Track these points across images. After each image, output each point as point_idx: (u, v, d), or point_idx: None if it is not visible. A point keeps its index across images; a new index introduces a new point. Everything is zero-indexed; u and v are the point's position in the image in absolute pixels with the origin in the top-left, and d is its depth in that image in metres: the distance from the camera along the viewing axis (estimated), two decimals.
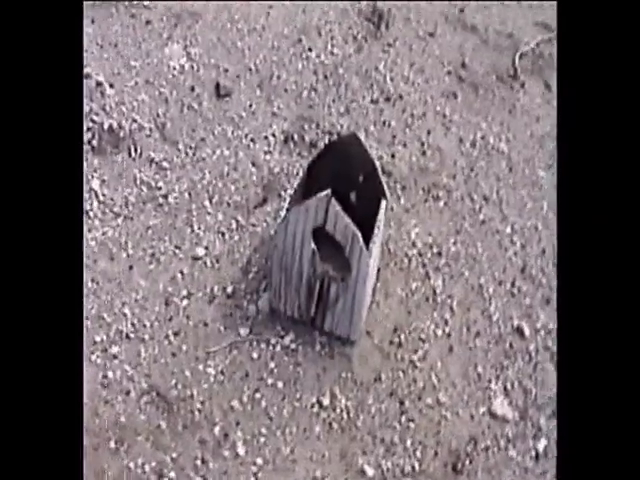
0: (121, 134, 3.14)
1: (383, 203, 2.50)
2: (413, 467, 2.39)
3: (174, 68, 3.45)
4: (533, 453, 2.46)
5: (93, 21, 3.59)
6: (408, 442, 2.43)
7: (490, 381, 2.59)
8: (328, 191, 2.29)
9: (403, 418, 2.48)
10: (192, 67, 3.47)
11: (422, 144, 3.28)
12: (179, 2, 3.70)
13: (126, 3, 3.67)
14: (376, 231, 2.44)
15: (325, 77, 3.49)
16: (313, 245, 2.40)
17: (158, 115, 3.26)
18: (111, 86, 3.32)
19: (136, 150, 3.09)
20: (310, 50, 3.61)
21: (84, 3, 3.34)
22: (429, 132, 3.33)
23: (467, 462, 2.42)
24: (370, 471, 2.36)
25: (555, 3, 3.78)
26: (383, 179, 2.53)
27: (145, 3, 3.71)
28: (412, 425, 2.47)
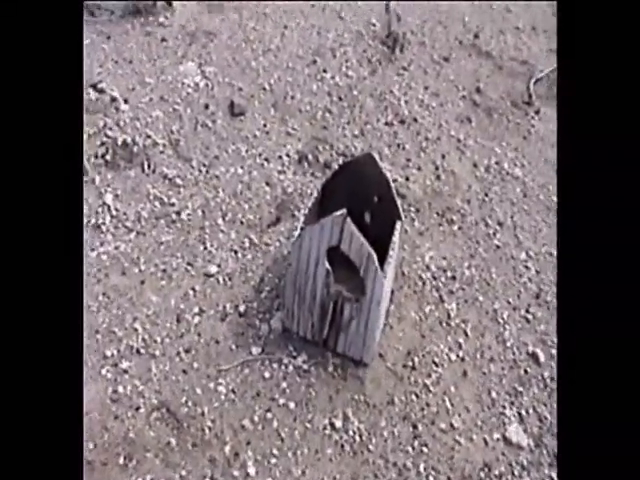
0: (135, 149, 3.13)
1: (398, 224, 2.48)
2: None
3: (188, 86, 3.45)
4: None
5: (109, 37, 3.60)
6: (421, 467, 2.38)
7: (504, 407, 2.55)
8: (344, 210, 2.26)
9: (416, 442, 2.43)
10: (207, 85, 3.47)
11: (436, 168, 3.26)
12: (194, 21, 3.70)
13: (142, 20, 3.67)
14: (391, 252, 2.41)
15: (339, 99, 3.49)
16: (327, 265, 2.37)
17: (172, 132, 3.25)
18: (125, 102, 3.32)
19: (149, 166, 3.08)
20: (325, 71, 3.61)
21: (101, 19, 3.35)
22: (443, 156, 3.31)
23: None
24: None
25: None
26: (397, 201, 2.50)
27: (161, 20, 3.71)
28: (425, 450, 2.42)
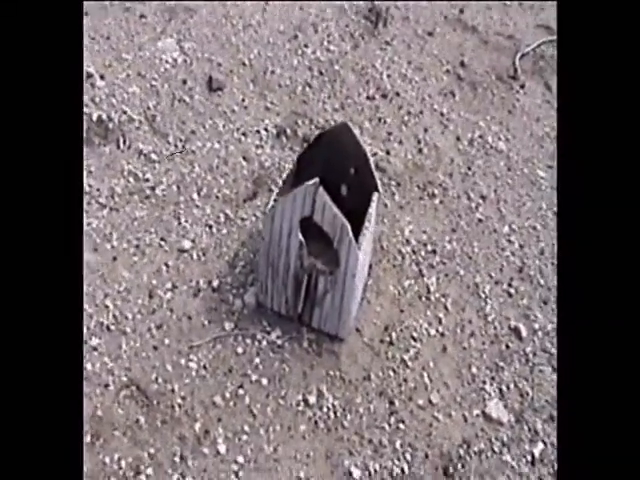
0: (110, 126, 3.06)
1: (375, 196, 2.41)
2: (402, 470, 2.27)
3: (167, 62, 3.38)
4: (529, 458, 2.35)
5: (87, 13, 3.52)
6: (397, 444, 2.32)
7: (485, 382, 2.49)
8: (316, 180, 2.20)
9: (392, 419, 2.37)
10: (185, 61, 3.40)
11: (418, 141, 3.19)
12: None
13: None
14: (367, 224, 2.34)
15: (320, 73, 3.42)
16: (300, 236, 2.30)
17: (149, 107, 3.18)
18: (102, 78, 3.26)
19: (125, 142, 3.01)
20: (306, 46, 3.54)
21: None
22: (426, 130, 3.24)
23: (459, 466, 2.30)
24: (357, 472, 2.25)
25: (554, 5, 3.72)
26: (376, 173, 2.43)
27: None
28: (402, 426, 2.36)
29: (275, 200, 2.31)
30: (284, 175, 2.47)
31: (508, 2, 4.01)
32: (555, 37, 3.82)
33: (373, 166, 2.44)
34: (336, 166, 2.49)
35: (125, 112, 3.12)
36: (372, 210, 2.37)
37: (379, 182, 2.43)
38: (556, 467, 2.31)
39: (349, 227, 2.21)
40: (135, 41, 3.45)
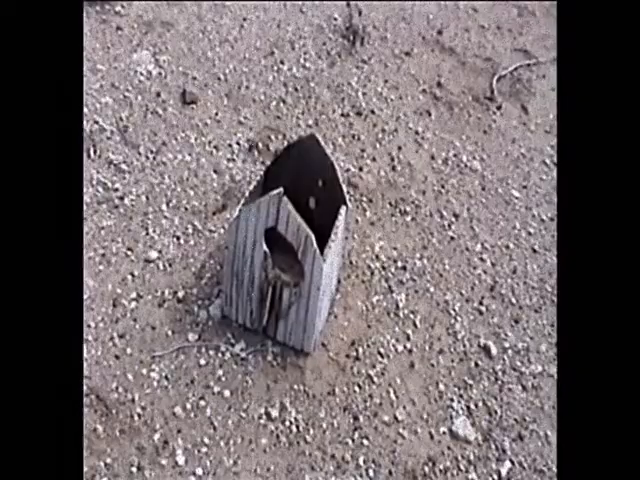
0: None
1: (343, 209, 2.38)
2: None
3: (141, 74, 3.36)
4: (495, 476, 2.30)
5: None
6: (361, 460, 2.27)
7: (452, 400, 2.45)
8: (280, 189, 2.17)
9: (356, 434, 2.32)
10: (160, 74, 3.38)
11: (392, 159, 3.18)
12: (152, 10, 3.62)
13: (97, 8, 3.59)
14: (333, 237, 2.31)
15: (295, 89, 3.40)
16: (265, 247, 2.27)
17: (121, 118, 3.15)
18: None
19: (95, 151, 2.97)
20: (282, 63, 3.53)
21: None
22: (400, 148, 3.23)
23: None
24: None
25: (535, 30, 3.75)
26: (346, 189, 2.40)
27: (117, 9, 3.63)
28: (366, 442, 2.31)
29: (240, 210, 2.28)
30: (251, 186, 2.43)
31: (486, 25, 4.01)
32: (533, 61, 3.84)
33: (341, 179, 2.41)
34: (304, 178, 2.46)
35: (97, 122, 3.09)
36: (339, 223, 2.34)
37: (348, 195, 2.40)
38: None
39: (313, 238, 2.18)
40: (110, 53, 3.43)
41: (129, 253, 2.66)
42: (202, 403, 2.30)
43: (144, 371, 2.35)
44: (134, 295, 2.54)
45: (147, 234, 2.72)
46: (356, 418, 2.34)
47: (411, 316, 2.62)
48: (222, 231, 2.75)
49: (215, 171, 2.98)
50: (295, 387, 2.37)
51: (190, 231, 2.75)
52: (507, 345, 2.61)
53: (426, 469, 2.27)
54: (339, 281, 2.65)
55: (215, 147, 3.08)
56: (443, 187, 3.10)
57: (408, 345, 2.55)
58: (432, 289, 2.72)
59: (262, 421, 2.29)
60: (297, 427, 2.29)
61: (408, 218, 2.94)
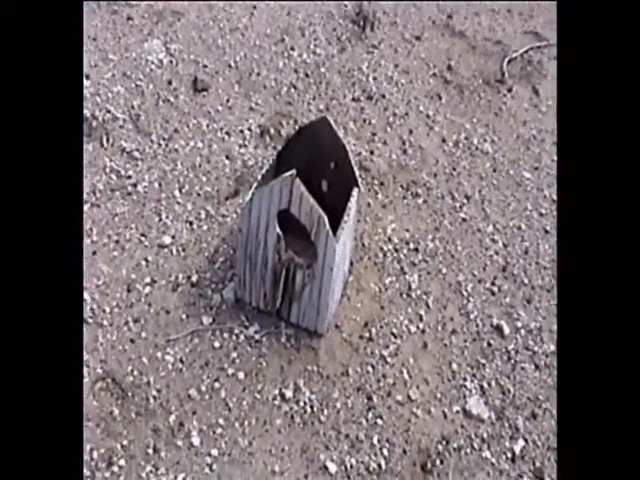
0: (94, 124, 3.05)
1: (355, 191, 2.39)
2: (379, 465, 2.24)
3: (152, 62, 3.38)
4: (509, 454, 2.31)
5: None
6: (375, 439, 2.29)
7: (465, 379, 2.46)
8: (293, 171, 2.18)
9: (370, 414, 2.34)
10: (171, 62, 3.40)
11: (403, 142, 3.18)
12: (162, 1, 3.64)
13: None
14: (345, 218, 2.32)
15: (306, 75, 3.42)
16: (278, 229, 2.28)
17: (133, 107, 3.17)
18: (87, 77, 3.25)
19: (108, 140, 3.00)
20: (292, 49, 3.54)
21: None
22: (411, 131, 3.23)
23: (437, 462, 2.27)
24: (333, 467, 2.21)
25: (545, 13, 3.73)
26: (358, 173, 2.41)
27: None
28: (380, 422, 2.33)
29: (253, 193, 2.29)
30: (263, 170, 2.45)
31: (496, 8, 4.00)
32: (544, 43, 3.83)
33: (353, 161, 2.42)
34: (316, 161, 2.47)
35: (109, 111, 3.11)
36: (351, 205, 2.35)
37: (360, 178, 2.42)
38: (536, 464, 2.27)
39: (326, 219, 2.19)
40: (122, 42, 3.45)
41: (142, 239, 2.68)
42: (217, 385, 2.32)
43: (159, 354, 2.38)
44: (148, 280, 2.57)
45: (160, 220, 2.74)
46: (370, 398, 2.36)
47: (424, 297, 2.64)
48: (235, 216, 2.76)
49: (227, 157, 3.00)
50: (309, 368, 2.39)
51: (203, 216, 2.77)
52: (519, 325, 2.61)
53: (440, 448, 2.28)
54: (352, 263, 2.66)
55: (227, 133, 3.10)
56: (454, 169, 3.10)
57: (421, 325, 2.56)
58: (444, 270, 2.73)
59: (276, 402, 2.31)
60: (311, 407, 2.31)
61: (420, 200, 2.95)
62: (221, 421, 2.25)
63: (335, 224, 2.26)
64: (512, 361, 2.51)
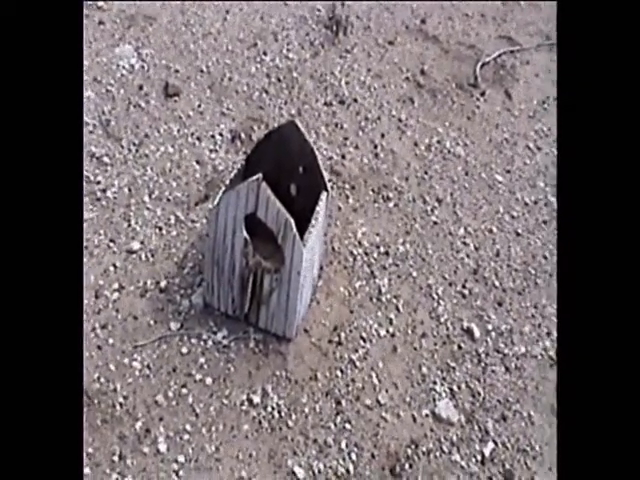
0: None
1: (323, 195, 2.38)
2: (347, 470, 2.23)
3: (123, 67, 3.36)
4: (479, 457, 2.30)
5: None
6: (343, 443, 2.28)
7: (435, 383, 2.45)
8: (259, 175, 2.17)
9: (339, 419, 2.32)
10: (142, 67, 3.38)
11: (375, 146, 3.18)
12: (134, 5, 3.63)
13: None
14: (313, 222, 2.31)
15: (278, 80, 3.41)
16: (245, 234, 2.27)
17: (103, 112, 3.16)
18: None
19: None
20: (265, 54, 3.54)
21: None
22: (383, 135, 3.23)
23: (407, 466, 2.26)
24: (300, 472, 2.20)
25: (519, 17, 3.75)
26: (329, 177, 2.41)
27: (99, 4, 3.63)
28: (348, 426, 2.31)
29: (220, 197, 2.28)
30: (232, 175, 2.44)
31: (470, 13, 4.01)
32: (516, 47, 3.84)
33: (322, 165, 2.41)
34: (285, 165, 2.46)
35: None
36: (319, 209, 2.35)
37: (330, 182, 2.41)
38: (506, 466, 2.27)
39: (292, 222, 2.18)
40: (93, 47, 3.44)
41: (111, 245, 2.67)
42: (184, 391, 2.30)
43: (126, 361, 2.36)
44: (116, 286, 2.55)
45: (129, 226, 2.73)
46: (338, 402, 2.35)
47: (394, 301, 2.63)
48: (204, 221, 2.75)
49: (198, 162, 2.99)
50: (277, 373, 2.38)
51: (172, 222, 2.75)
52: (490, 327, 2.61)
53: (409, 451, 2.27)
54: (321, 267, 2.65)
55: (198, 138, 3.09)
56: (426, 173, 3.10)
57: (391, 329, 2.55)
58: (415, 274, 2.73)
59: (244, 407, 2.29)
60: (279, 412, 2.29)
61: (391, 204, 2.95)
62: (188, 427, 2.23)
63: (304, 228, 2.25)
64: (482, 364, 2.51)
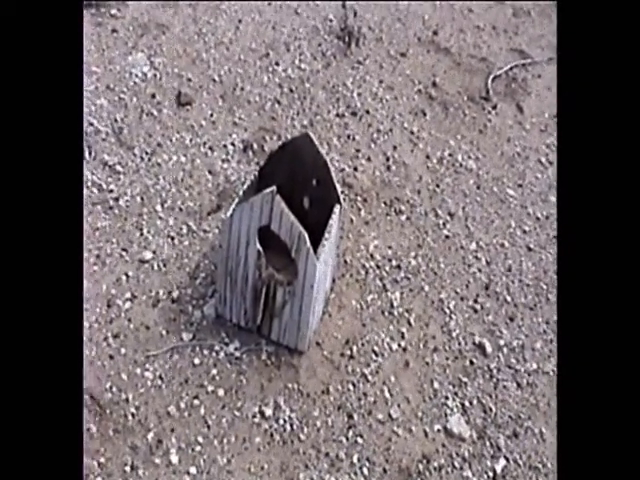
0: None
1: (336, 208, 2.38)
2: None
3: (136, 76, 3.37)
4: (490, 474, 2.30)
5: None
6: (355, 458, 2.27)
7: (447, 398, 2.45)
8: (273, 188, 2.17)
9: (351, 433, 2.32)
10: (155, 75, 3.38)
11: (387, 159, 3.18)
12: (147, 13, 3.63)
13: (93, 11, 3.59)
14: (326, 235, 2.31)
15: (290, 90, 3.41)
16: (258, 246, 2.27)
17: (116, 120, 3.16)
18: None
19: (90, 153, 2.98)
20: (277, 64, 3.54)
21: None
22: (395, 147, 3.23)
23: None
24: None
25: (530, 30, 3.75)
26: (341, 189, 2.41)
27: (113, 12, 3.64)
28: (360, 440, 2.31)
29: (233, 209, 2.28)
30: (245, 186, 2.44)
31: (482, 25, 4.02)
32: (528, 60, 3.84)
33: (335, 177, 2.41)
34: (298, 178, 2.46)
35: (92, 124, 3.10)
36: (333, 222, 2.34)
37: (342, 195, 2.41)
38: None
39: (306, 235, 2.18)
40: (106, 55, 3.44)
41: (123, 254, 2.66)
42: (196, 402, 2.30)
43: (138, 371, 2.35)
44: (128, 295, 2.54)
45: (142, 235, 2.72)
46: (350, 416, 2.34)
47: (406, 315, 2.62)
48: (217, 231, 2.75)
49: (210, 172, 2.98)
50: (289, 386, 2.37)
51: (185, 232, 2.75)
52: (502, 343, 2.60)
53: (420, 467, 2.27)
54: (334, 280, 2.65)
55: (210, 148, 3.09)
56: (438, 186, 3.10)
57: (403, 343, 2.55)
58: (427, 288, 2.72)
59: (256, 420, 2.28)
60: (291, 426, 2.29)
61: (403, 217, 2.94)
62: (200, 439, 2.23)
63: (317, 241, 2.24)
64: (494, 379, 2.50)
